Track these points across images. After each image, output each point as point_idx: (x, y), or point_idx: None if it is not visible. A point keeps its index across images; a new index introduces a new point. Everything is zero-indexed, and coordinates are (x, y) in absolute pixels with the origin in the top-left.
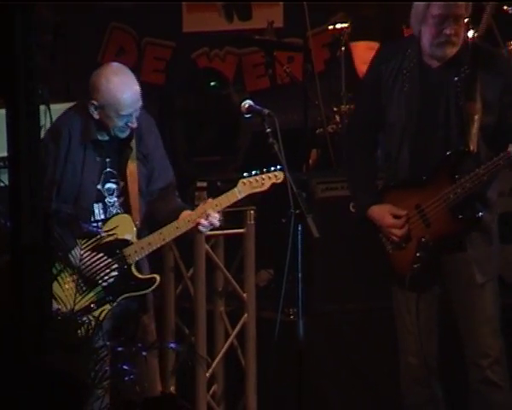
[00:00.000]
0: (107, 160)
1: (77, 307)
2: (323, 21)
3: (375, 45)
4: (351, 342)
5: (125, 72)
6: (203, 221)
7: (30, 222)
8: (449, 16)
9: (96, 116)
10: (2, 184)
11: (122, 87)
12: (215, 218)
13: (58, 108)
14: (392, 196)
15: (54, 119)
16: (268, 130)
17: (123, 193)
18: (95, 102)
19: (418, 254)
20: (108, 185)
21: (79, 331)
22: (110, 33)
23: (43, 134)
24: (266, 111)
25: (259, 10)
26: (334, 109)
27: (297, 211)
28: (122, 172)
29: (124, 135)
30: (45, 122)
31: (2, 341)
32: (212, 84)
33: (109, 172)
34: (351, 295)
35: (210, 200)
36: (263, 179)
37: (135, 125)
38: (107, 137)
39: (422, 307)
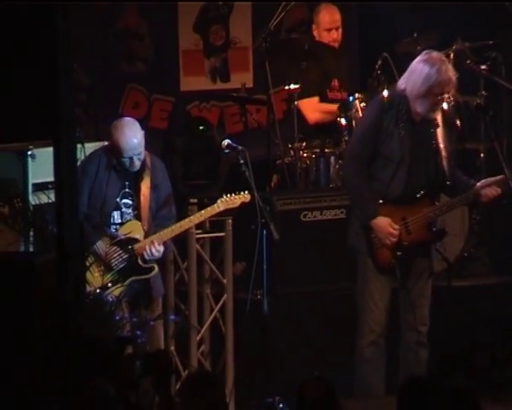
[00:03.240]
0: (126, 183)
1: (98, 285)
2: (281, 83)
3: (315, 99)
4: (304, 316)
5: (130, 126)
6: (148, 250)
7: (70, 232)
8: (445, 93)
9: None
10: (50, 201)
11: (123, 137)
12: (156, 250)
13: (90, 146)
14: (384, 209)
15: (87, 154)
16: (241, 161)
17: (136, 208)
18: (108, 143)
19: (398, 253)
20: (125, 200)
21: (105, 307)
22: (128, 92)
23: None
24: (240, 147)
25: (236, 75)
26: (289, 146)
27: (263, 220)
28: (137, 193)
29: (133, 169)
30: (80, 156)
31: (51, 320)
32: (201, 128)
33: (127, 191)
34: (303, 280)
35: (199, 213)
36: (235, 199)
37: (136, 164)
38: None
39: (389, 290)
